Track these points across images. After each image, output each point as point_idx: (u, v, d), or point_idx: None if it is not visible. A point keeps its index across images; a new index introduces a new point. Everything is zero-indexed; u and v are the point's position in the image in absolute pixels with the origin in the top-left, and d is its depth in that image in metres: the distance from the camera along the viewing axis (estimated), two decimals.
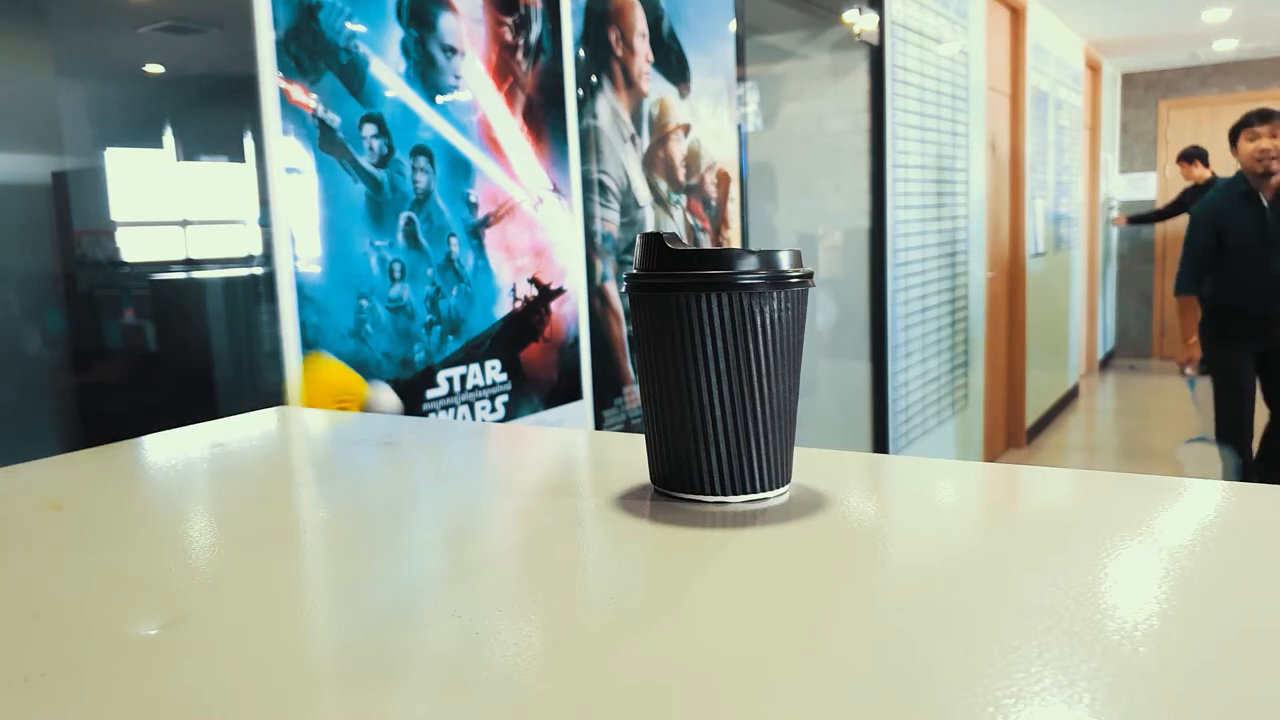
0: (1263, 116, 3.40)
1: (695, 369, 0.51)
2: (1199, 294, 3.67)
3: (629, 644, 0.35)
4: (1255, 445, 3.75)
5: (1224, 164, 7.63)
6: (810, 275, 0.52)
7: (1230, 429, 3.71)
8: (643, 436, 0.58)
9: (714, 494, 0.52)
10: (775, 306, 0.51)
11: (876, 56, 3.48)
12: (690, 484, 0.52)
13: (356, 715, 0.31)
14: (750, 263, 0.50)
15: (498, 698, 0.31)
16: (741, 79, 2.56)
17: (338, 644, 0.37)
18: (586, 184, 1.97)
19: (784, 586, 0.40)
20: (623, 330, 2.09)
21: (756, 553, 0.44)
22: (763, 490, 0.52)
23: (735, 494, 0.52)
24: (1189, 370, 3.90)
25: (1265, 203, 3.42)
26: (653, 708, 0.31)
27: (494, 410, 1.73)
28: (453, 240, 1.63)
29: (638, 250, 0.53)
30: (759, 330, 0.50)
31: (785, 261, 0.51)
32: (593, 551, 0.46)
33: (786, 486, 0.54)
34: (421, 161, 1.56)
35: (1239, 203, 3.49)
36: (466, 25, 1.65)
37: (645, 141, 2.17)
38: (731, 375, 0.51)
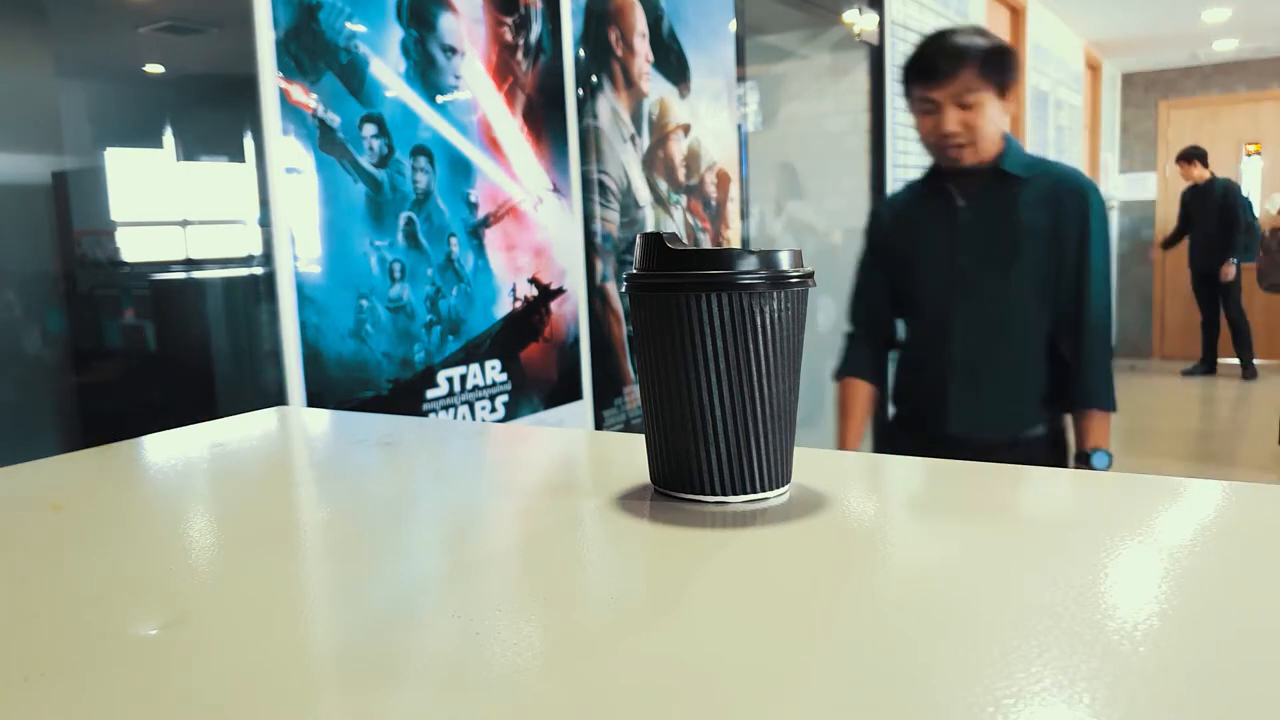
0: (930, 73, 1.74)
1: (695, 369, 0.51)
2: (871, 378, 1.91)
3: (629, 644, 0.35)
4: None
5: (1222, 164, 7.65)
6: (811, 275, 0.52)
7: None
8: (643, 436, 0.58)
9: (714, 494, 0.52)
10: (775, 306, 0.51)
11: (876, 56, 3.48)
12: (690, 484, 0.52)
13: (356, 715, 0.31)
14: (750, 263, 0.50)
15: (498, 698, 0.31)
16: (741, 79, 2.55)
17: (338, 644, 0.37)
18: (586, 184, 1.97)
19: (784, 586, 0.40)
20: (623, 330, 2.09)
21: (756, 553, 0.44)
22: (763, 490, 0.52)
23: (735, 494, 0.52)
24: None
25: (960, 200, 1.77)
26: (653, 707, 0.31)
27: (494, 410, 1.73)
28: (453, 240, 1.63)
29: (638, 250, 0.53)
30: (759, 330, 0.50)
31: (785, 261, 0.51)
32: (593, 551, 0.46)
33: (786, 486, 0.54)
34: (421, 161, 1.56)
35: (921, 200, 1.91)
36: (466, 25, 1.65)
37: (645, 141, 2.17)
38: (731, 375, 0.51)
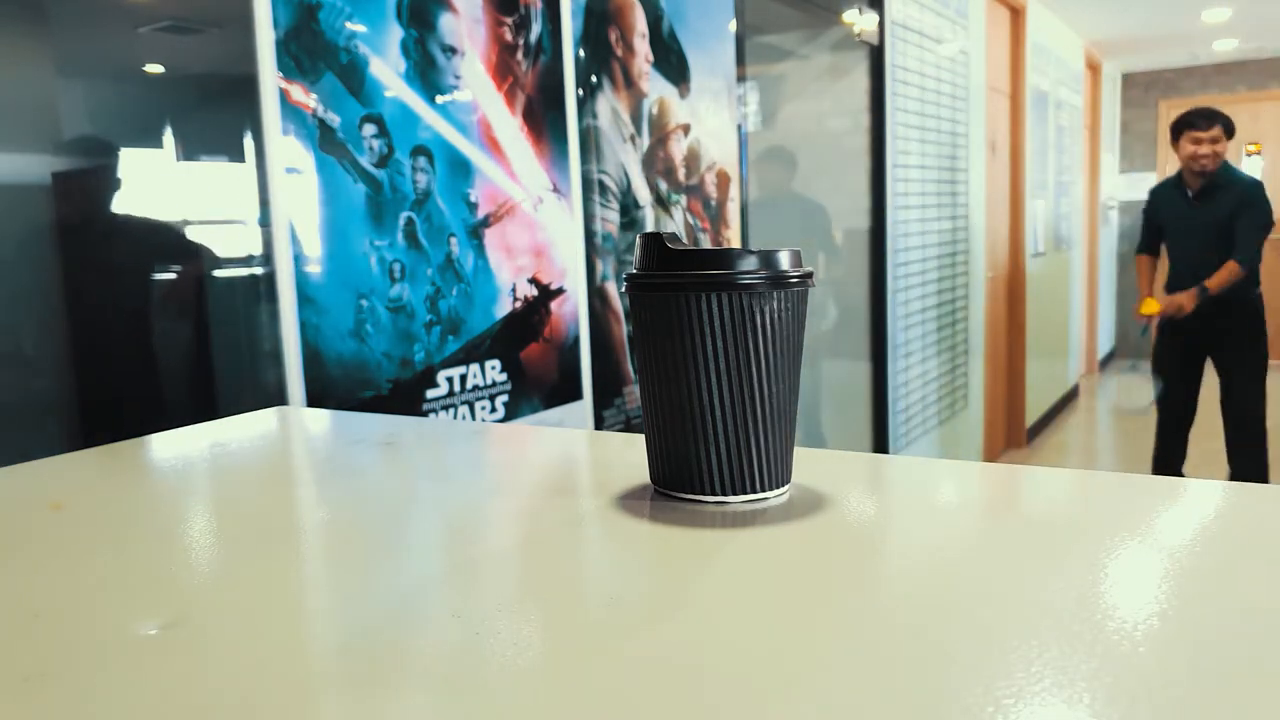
0: (1207, 118, 3.58)
1: (695, 369, 0.51)
2: (1152, 257, 3.96)
3: (630, 643, 0.35)
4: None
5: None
6: (810, 275, 0.52)
7: (1171, 427, 3.90)
8: (643, 436, 0.58)
9: (714, 494, 0.52)
10: (775, 306, 0.51)
11: (876, 56, 3.48)
12: (690, 484, 0.52)
13: (356, 715, 0.31)
14: (750, 263, 0.50)
15: (498, 697, 0.31)
16: (741, 79, 2.55)
17: (337, 644, 0.37)
18: (586, 184, 1.97)
19: (783, 587, 0.40)
20: (623, 330, 2.09)
21: (756, 553, 0.44)
22: (763, 490, 0.52)
23: (735, 494, 0.52)
24: (1140, 318, 3.99)
25: (1190, 194, 3.69)
26: (653, 707, 0.31)
27: (494, 410, 1.73)
28: (453, 240, 1.63)
29: (638, 250, 0.53)
30: (759, 330, 0.50)
31: (785, 261, 0.51)
32: (593, 551, 0.46)
33: (786, 486, 0.54)
34: (421, 161, 1.56)
35: (1173, 195, 3.79)
36: (466, 25, 1.65)
37: (645, 141, 2.17)
38: (732, 375, 0.51)
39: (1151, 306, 3.83)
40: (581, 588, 0.42)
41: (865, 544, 0.46)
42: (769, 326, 0.51)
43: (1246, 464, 3.77)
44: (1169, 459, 3.94)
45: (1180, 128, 3.64)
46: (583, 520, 0.51)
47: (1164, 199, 3.85)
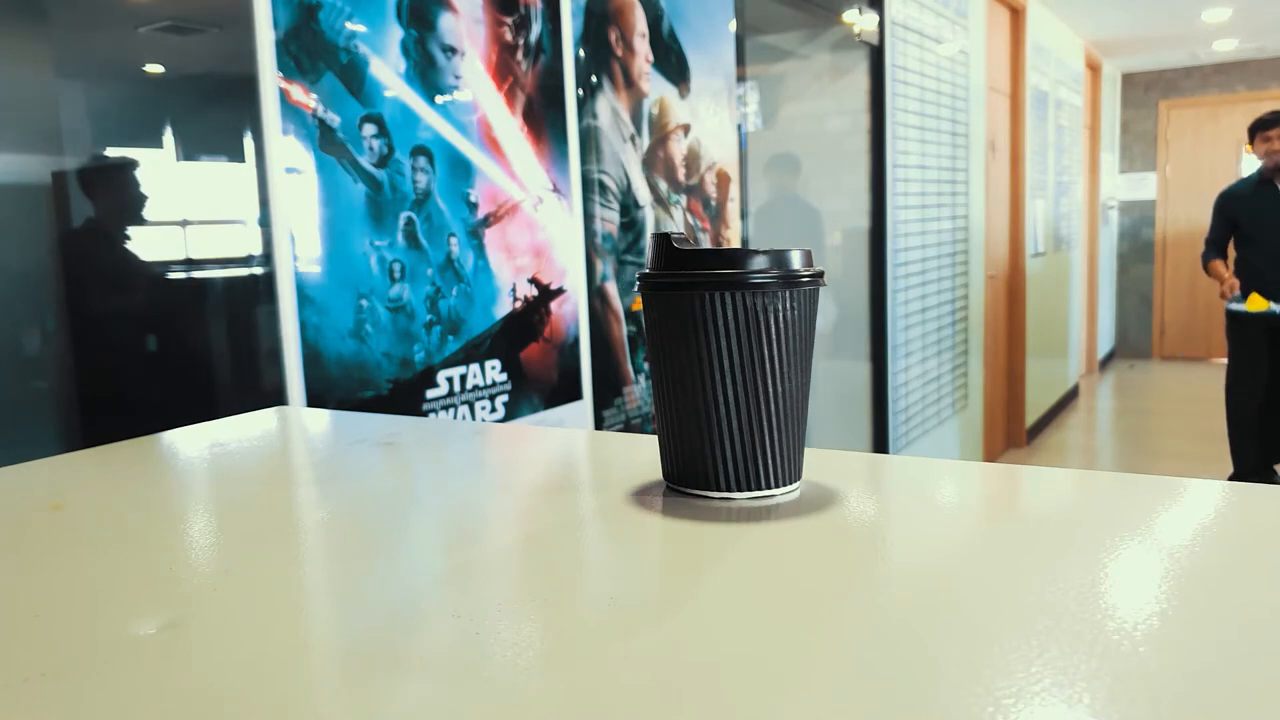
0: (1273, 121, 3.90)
1: (707, 368, 0.51)
2: (1223, 259, 4.18)
3: (640, 638, 0.35)
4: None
5: (1222, 164, 7.62)
6: (821, 275, 0.53)
7: (1241, 414, 4.05)
8: (646, 436, 0.58)
9: (725, 490, 0.52)
10: (786, 306, 0.51)
11: (876, 56, 3.48)
12: (702, 481, 0.53)
13: (358, 715, 0.31)
14: (761, 262, 0.50)
15: (503, 691, 0.31)
16: (741, 79, 2.55)
17: (340, 644, 0.37)
18: (586, 184, 1.97)
19: (790, 583, 0.40)
20: (623, 330, 2.09)
21: (765, 550, 0.44)
22: (773, 487, 0.53)
23: (746, 490, 0.52)
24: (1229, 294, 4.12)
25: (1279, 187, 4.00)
26: (659, 701, 0.31)
27: (494, 410, 1.73)
28: (453, 240, 1.63)
29: (649, 250, 0.54)
30: (770, 329, 0.51)
31: (796, 261, 0.51)
32: (606, 547, 0.46)
33: (797, 484, 0.54)
34: (421, 161, 1.56)
35: (1256, 189, 4.05)
36: (466, 25, 1.65)
37: (645, 141, 2.17)
38: (743, 374, 0.51)
39: (1260, 303, 3.92)
40: (595, 584, 0.42)
41: (869, 542, 0.46)
42: (780, 326, 0.51)
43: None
44: (1252, 456, 4.07)
45: (1251, 131, 3.95)
46: (596, 516, 0.51)
47: (1243, 199, 4.07)
